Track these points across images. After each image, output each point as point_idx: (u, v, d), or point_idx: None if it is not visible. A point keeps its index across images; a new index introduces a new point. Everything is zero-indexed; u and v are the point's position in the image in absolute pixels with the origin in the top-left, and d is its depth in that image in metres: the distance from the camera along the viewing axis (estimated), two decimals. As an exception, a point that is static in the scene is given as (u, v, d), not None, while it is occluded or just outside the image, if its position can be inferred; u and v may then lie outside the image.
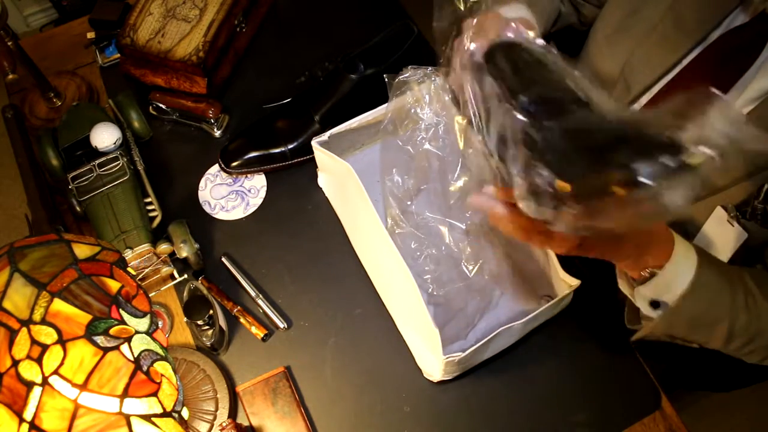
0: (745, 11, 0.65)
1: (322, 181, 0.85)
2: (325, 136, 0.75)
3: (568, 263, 0.67)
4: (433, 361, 0.67)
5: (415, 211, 0.77)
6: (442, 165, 0.75)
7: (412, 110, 0.73)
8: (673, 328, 0.58)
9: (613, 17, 0.76)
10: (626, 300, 0.62)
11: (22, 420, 0.42)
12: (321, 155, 0.77)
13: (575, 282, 0.65)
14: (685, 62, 0.70)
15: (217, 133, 0.92)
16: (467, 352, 0.62)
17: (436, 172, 0.76)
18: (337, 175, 0.78)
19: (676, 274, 0.56)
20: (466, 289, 0.73)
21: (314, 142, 0.76)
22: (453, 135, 0.75)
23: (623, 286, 0.61)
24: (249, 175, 0.88)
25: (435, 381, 0.72)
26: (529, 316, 0.63)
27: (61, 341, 0.44)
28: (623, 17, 0.74)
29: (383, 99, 0.73)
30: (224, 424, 0.67)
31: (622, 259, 0.57)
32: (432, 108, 0.74)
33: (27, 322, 0.44)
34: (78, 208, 0.80)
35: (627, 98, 0.75)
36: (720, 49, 0.66)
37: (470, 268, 0.73)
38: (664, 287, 0.56)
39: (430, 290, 0.74)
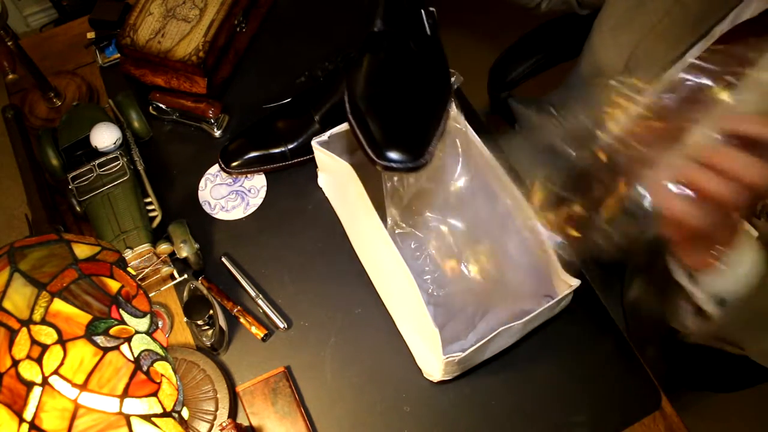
0: (749, 4, 0.64)
1: (322, 181, 0.85)
2: (324, 136, 0.75)
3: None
4: (433, 361, 0.67)
5: (415, 211, 0.77)
6: (442, 165, 0.75)
7: None
8: (735, 325, 0.57)
9: (618, 9, 0.75)
10: (671, 297, 0.61)
11: (22, 420, 0.42)
12: (321, 155, 0.77)
13: (575, 282, 0.65)
14: (688, 57, 0.69)
15: (217, 133, 0.92)
16: (467, 352, 0.62)
17: (436, 172, 0.76)
18: (337, 176, 0.78)
19: (742, 262, 0.55)
20: (466, 289, 0.73)
21: (314, 142, 0.76)
22: (452, 135, 0.75)
23: (683, 281, 0.59)
24: (249, 175, 0.88)
25: (435, 381, 0.72)
26: (529, 316, 0.63)
27: (61, 341, 0.44)
28: (629, 8, 0.74)
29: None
30: (224, 424, 0.67)
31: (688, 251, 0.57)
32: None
33: (27, 322, 0.44)
34: (78, 208, 0.80)
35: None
36: (726, 43, 0.66)
37: (470, 268, 0.73)
38: (731, 277, 0.55)
39: (430, 290, 0.74)
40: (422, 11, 0.60)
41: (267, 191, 0.87)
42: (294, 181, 0.87)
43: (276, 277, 0.81)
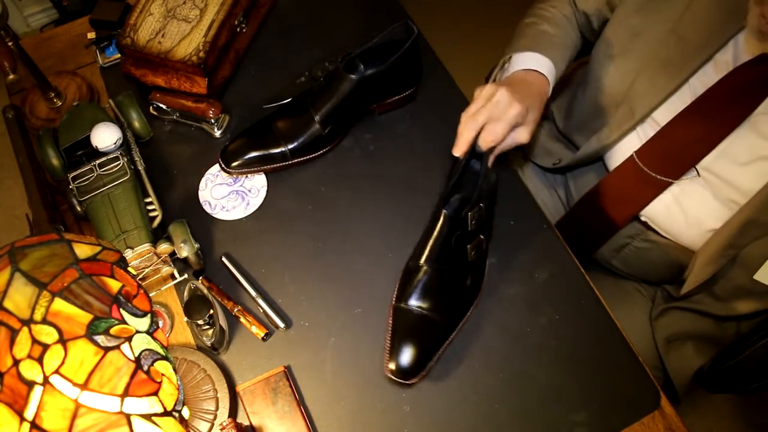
0: (751, 35, 0.64)
1: None
2: None
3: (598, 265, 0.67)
4: None
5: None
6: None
7: None
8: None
9: (616, 40, 0.76)
10: None
11: (23, 419, 0.42)
12: None
13: None
14: (692, 81, 0.69)
15: (217, 133, 0.92)
16: None
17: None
18: None
19: None
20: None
21: None
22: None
23: None
24: (249, 175, 0.88)
25: None
26: None
27: (62, 341, 0.44)
28: (626, 40, 0.74)
29: (383, 99, 0.73)
30: (224, 424, 0.67)
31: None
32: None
33: (28, 322, 0.44)
34: (78, 208, 0.80)
35: (631, 122, 0.75)
36: (732, 84, 0.66)
37: None
38: None
39: None
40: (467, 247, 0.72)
41: (267, 191, 0.87)
42: (294, 181, 0.87)
43: (276, 277, 0.81)
